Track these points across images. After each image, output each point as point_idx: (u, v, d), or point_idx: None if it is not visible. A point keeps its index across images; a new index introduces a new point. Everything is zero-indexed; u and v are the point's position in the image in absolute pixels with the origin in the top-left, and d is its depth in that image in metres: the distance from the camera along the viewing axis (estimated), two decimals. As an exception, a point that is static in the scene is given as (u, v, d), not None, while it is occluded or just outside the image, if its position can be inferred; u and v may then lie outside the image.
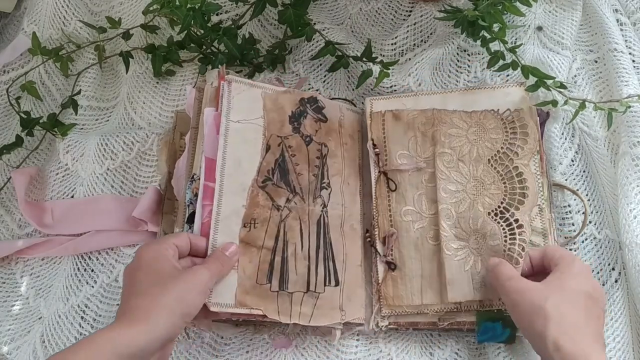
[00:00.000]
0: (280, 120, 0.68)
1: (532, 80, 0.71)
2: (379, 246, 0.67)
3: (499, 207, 0.65)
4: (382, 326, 0.64)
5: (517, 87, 0.71)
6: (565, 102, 0.70)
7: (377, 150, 0.70)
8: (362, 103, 0.78)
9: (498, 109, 0.70)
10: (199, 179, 0.64)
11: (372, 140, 0.70)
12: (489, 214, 0.65)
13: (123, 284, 0.56)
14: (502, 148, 0.68)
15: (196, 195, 0.63)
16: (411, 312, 0.65)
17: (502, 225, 0.64)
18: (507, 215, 0.65)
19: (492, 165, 0.67)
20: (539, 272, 0.61)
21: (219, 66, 0.73)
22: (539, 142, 0.68)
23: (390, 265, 0.66)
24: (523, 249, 0.63)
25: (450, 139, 0.69)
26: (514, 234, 0.64)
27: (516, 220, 0.64)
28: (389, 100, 0.73)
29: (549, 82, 0.70)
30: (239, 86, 0.67)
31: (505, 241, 0.64)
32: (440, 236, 0.65)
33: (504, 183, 0.66)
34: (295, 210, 0.65)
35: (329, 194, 0.68)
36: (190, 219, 0.63)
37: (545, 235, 0.64)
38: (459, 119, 0.70)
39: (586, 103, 0.70)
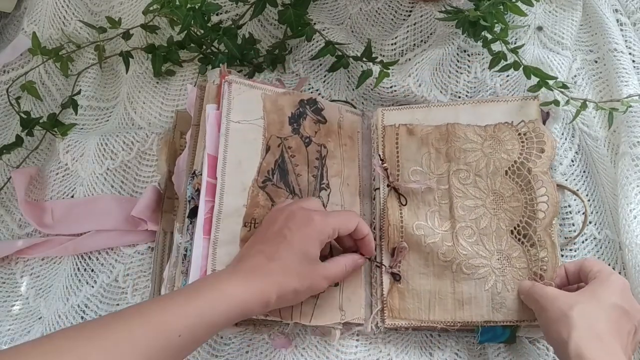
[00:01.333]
0: (280, 122, 0.68)
1: (534, 80, 0.71)
2: (385, 257, 0.67)
3: (520, 223, 0.64)
4: (382, 327, 0.64)
5: (531, 101, 0.70)
6: (567, 102, 0.70)
7: (385, 165, 0.69)
8: (363, 103, 0.78)
9: (512, 121, 0.69)
10: (201, 174, 0.64)
11: (380, 155, 0.70)
12: (512, 232, 0.65)
13: (278, 221, 0.58)
14: (518, 158, 0.67)
15: (197, 190, 0.63)
16: (417, 326, 0.64)
17: (526, 246, 0.64)
18: (530, 231, 0.64)
19: (509, 176, 0.66)
20: (574, 283, 0.61)
21: (220, 64, 0.73)
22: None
23: (395, 277, 0.65)
24: (545, 268, 0.62)
25: (465, 155, 0.68)
26: (537, 254, 0.63)
27: (539, 239, 0.64)
28: (400, 111, 0.72)
29: (551, 82, 0.70)
30: (239, 87, 0.67)
31: (529, 263, 0.63)
32: (457, 253, 0.64)
33: (523, 193, 0.66)
34: None
35: (328, 195, 0.68)
36: (192, 214, 0.63)
37: (554, 246, 0.63)
38: (473, 133, 0.69)
39: (587, 103, 0.70)
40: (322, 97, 0.72)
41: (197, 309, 0.50)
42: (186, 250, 0.63)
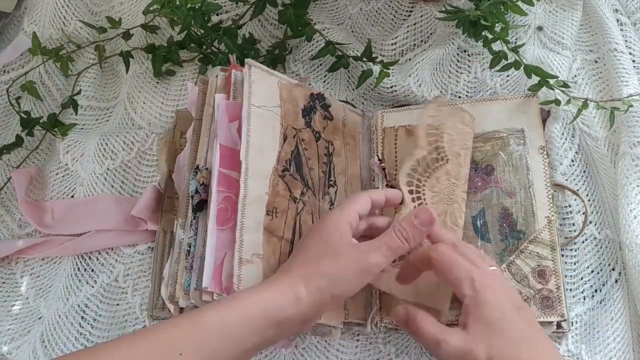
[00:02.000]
0: (295, 112, 0.68)
1: (534, 79, 0.71)
2: None
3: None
4: (381, 326, 0.64)
5: (526, 98, 0.70)
6: (568, 102, 0.70)
7: (383, 164, 0.69)
8: (363, 103, 0.78)
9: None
10: (205, 169, 0.63)
11: (378, 155, 0.70)
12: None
13: (300, 240, 0.58)
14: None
15: (202, 184, 0.63)
16: None
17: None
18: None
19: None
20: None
21: (230, 55, 0.73)
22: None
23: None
24: None
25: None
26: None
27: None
28: (400, 112, 0.73)
29: (552, 81, 0.70)
30: (258, 71, 0.66)
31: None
32: None
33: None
34: (308, 205, 0.65)
35: (335, 192, 0.68)
36: (198, 208, 0.63)
37: (554, 249, 0.63)
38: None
39: (588, 102, 0.70)
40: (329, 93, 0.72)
41: (215, 323, 0.48)
42: (189, 246, 0.62)
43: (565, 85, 0.70)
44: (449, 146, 0.67)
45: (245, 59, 0.66)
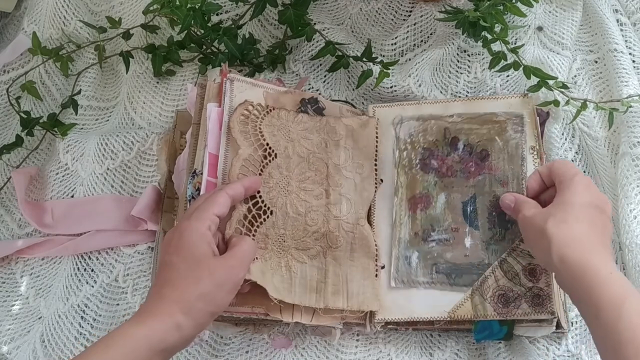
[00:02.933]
0: None
1: (534, 80, 0.71)
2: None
3: None
4: (378, 325, 0.64)
5: (519, 98, 0.70)
6: (567, 103, 0.70)
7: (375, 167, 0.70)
8: (363, 103, 0.78)
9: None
10: (201, 173, 0.63)
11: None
12: None
13: (160, 259, 0.55)
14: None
15: (198, 190, 0.63)
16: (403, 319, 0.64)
17: None
18: None
19: None
20: (551, 185, 0.62)
21: (222, 63, 0.73)
22: (539, 141, 0.68)
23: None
24: None
25: None
26: None
27: None
28: (391, 108, 0.72)
29: (551, 82, 0.70)
30: (241, 85, 0.67)
31: None
32: None
33: None
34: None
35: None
36: None
37: None
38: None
39: (587, 103, 0.70)
40: (323, 96, 0.71)
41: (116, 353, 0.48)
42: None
43: (564, 86, 0.70)
44: (272, 142, 0.66)
45: (228, 74, 0.66)
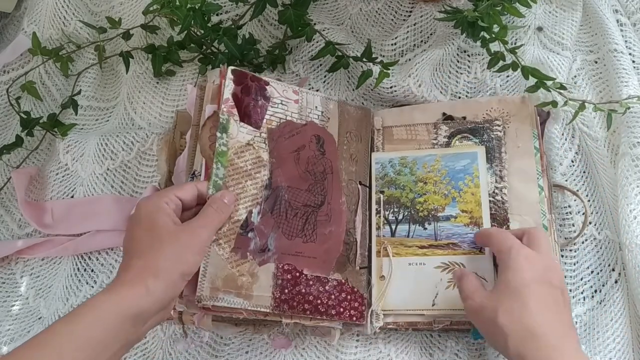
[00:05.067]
0: None
1: (532, 81, 0.71)
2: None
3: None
4: (377, 327, 0.64)
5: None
6: (565, 103, 0.70)
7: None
8: (363, 103, 0.78)
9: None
10: (200, 175, 0.64)
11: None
12: None
13: (125, 236, 0.56)
14: None
15: None
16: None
17: None
18: None
19: None
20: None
21: (221, 65, 0.73)
22: (540, 141, 0.68)
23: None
24: None
25: None
26: None
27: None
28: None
29: (549, 83, 0.70)
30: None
31: None
32: None
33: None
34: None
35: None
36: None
37: None
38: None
39: (586, 104, 0.70)
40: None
41: (74, 333, 0.47)
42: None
43: (562, 87, 0.70)
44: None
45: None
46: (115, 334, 0.49)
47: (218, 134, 0.63)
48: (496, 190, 0.67)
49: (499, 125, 0.70)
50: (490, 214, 0.66)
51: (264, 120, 0.66)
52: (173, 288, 0.53)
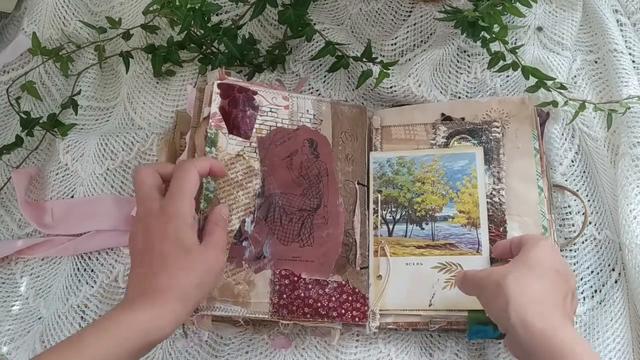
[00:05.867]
0: None
1: (532, 81, 0.71)
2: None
3: None
4: (373, 327, 0.64)
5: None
6: (565, 103, 0.70)
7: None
8: (363, 103, 0.78)
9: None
10: None
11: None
12: None
13: (142, 245, 0.53)
14: None
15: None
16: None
17: None
18: None
19: None
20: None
21: (219, 67, 0.73)
22: (539, 141, 0.68)
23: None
24: None
25: None
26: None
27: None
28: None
29: (549, 83, 0.70)
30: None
31: None
32: None
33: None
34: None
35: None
36: None
37: None
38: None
39: (586, 104, 0.70)
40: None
41: (104, 347, 0.47)
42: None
43: (562, 87, 0.70)
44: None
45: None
46: (132, 353, 0.49)
47: (207, 149, 0.63)
48: (494, 192, 0.67)
49: (497, 127, 0.70)
50: (488, 215, 0.66)
51: (254, 130, 0.67)
52: (190, 314, 0.54)
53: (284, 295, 0.62)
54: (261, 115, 0.68)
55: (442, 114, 0.72)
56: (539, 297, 0.51)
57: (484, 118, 0.71)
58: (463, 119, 0.71)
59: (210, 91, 0.67)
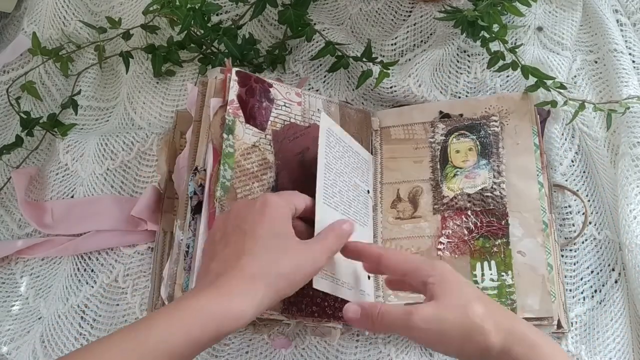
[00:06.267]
0: None
1: (532, 80, 0.71)
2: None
3: None
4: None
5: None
6: (565, 103, 0.70)
7: None
8: (363, 103, 0.78)
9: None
10: (204, 170, 0.63)
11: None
12: None
13: (232, 225, 0.51)
14: None
15: (200, 186, 0.63)
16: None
17: None
18: None
19: None
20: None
21: (225, 59, 0.73)
22: (539, 139, 0.68)
23: None
24: None
25: None
26: None
27: None
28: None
29: (549, 82, 0.70)
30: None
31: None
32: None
33: None
34: None
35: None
36: (197, 210, 0.63)
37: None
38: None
39: (585, 104, 0.70)
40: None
41: (181, 329, 0.43)
42: (188, 247, 0.62)
43: (562, 86, 0.70)
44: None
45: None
46: (203, 347, 0.45)
47: (224, 135, 0.63)
48: (494, 186, 0.67)
49: (495, 121, 0.69)
50: (489, 209, 0.66)
51: (269, 122, 0.66)
52: (271, 306, 0.49)
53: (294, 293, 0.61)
54: (276, 109, 0.67)
55: (441, 112, 0.72)
56: (512, 324, 0.49)
57: (482, 114, 0.71)
58: (461, 115, 0.71)
59: (215, 83, 0.67)
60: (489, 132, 0.69)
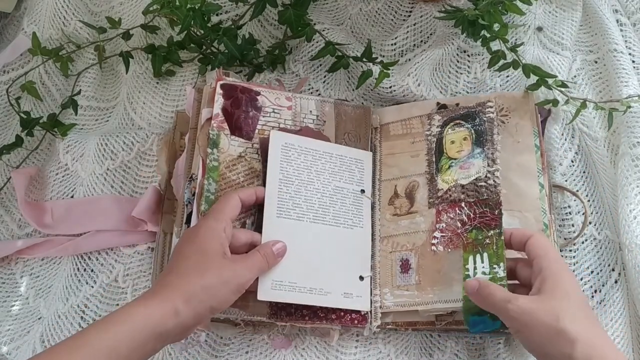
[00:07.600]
0: None
1: (533, 79, 0.71)
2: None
3: None
4: (375, 326, 0.64)
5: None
6: (566, 102, 0.70)
7: None
8: (363, 103, 0.78)
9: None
10: (197, 178, 0.64)
11: None
12: None
13: (176, 245, 0.58)
14: None
15: (194, 194, 0.63)
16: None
17: None
18: None
19: None
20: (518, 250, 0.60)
21: (217, 68, 0.73)
22: (540, 138, 0.68)
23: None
24: None
25: None
26: None
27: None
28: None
29: (550, 81, 0.70)
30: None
31: None
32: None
33: None
34: None
35: None
36: (188, 220, 0.63)
37: None
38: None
39: (587, 103, 0.70)
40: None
41: (104, 341, 0.49)
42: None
43: (563, 85, 0.70)
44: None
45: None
46: (138, 348, 0.50)
47: (209, 150, 0.63)
48: (488, 174, 0.66)
49: (491, 107, 0.69)
50: (483, 199, 0.65)
51: (256, 131, 0.67)
52: (198, 318, 0.53)
53: None
54: (264, 116, 0.68)
55: (438, 103, 0.72)
56: (595, 335, 0.52)
57: (478, 102, 0.70)
58: (457, 104, 0.71)
59: (208, 92, 0.67)
60: (484, 118, 0.68)
